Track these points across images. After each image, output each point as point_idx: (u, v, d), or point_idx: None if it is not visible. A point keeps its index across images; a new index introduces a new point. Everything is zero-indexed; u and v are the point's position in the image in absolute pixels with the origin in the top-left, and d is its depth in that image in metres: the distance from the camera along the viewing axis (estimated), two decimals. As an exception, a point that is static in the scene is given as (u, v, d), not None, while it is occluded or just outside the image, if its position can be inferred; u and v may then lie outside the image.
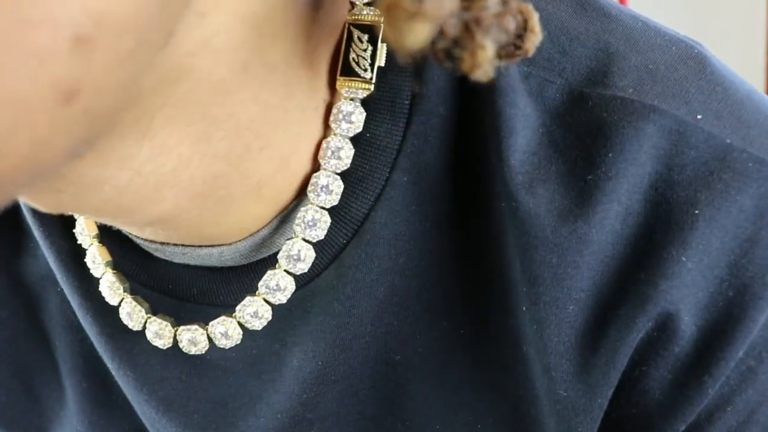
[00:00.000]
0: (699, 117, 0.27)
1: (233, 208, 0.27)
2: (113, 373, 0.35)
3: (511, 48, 0.19)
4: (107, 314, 0.33)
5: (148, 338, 0.32)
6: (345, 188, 0.28)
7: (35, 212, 0.33)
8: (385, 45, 0.27)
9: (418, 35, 0.18)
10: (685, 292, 0.26)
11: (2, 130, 0.16)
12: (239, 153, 0.25)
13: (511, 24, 0.20)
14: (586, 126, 0.27)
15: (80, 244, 0.33)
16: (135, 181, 0.23)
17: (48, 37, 0.16)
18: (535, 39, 0.20)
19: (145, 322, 0.31)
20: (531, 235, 0.27)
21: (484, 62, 0.19)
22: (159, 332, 0.31)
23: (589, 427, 0.30)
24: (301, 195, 0.29)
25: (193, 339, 0.31)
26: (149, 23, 0.18)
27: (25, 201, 0.25)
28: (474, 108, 0.28)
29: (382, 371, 0.32)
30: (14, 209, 0.35)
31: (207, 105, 0.23)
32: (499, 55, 0.20)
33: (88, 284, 0.33)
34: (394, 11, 0.18)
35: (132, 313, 0.31)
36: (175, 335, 0.31)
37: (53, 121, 0.17)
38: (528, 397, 0.30)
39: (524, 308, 0.28)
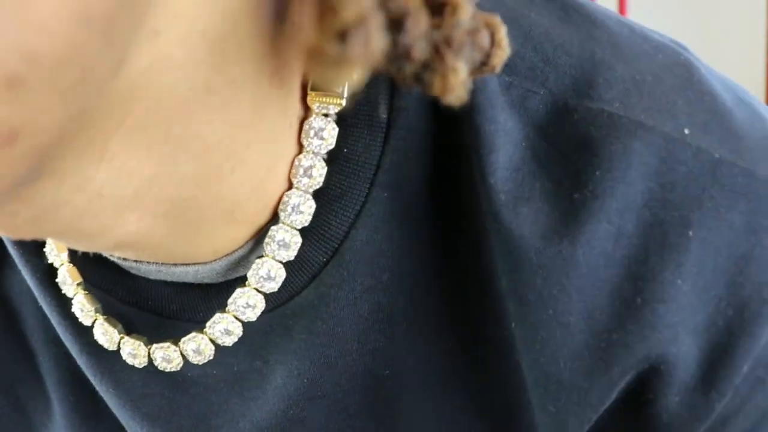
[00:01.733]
0: (686, 132, 0.26)
1: (205, 230, 0.26)
2: (97, 388, 0.34)
3: (478, 65, 0.18)
4: (85, 333, 0.32)
5: (123, 357, 0.31)
6: (322, 206, 0.27)
7: None
8: None
9: (347, 80, 0.16)
10: (684, 315, 0.26)
11: None
12: (208, 175, 0.24)
13: (485, 40, 0.18)
14: (571, 141, 0.26)
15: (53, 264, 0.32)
16: (94, 203, 0.22)
17: None
18: (502, 54, 0.18)
19: (119, 342, 0.31)
20: (515, 255, 0.26)
21: (456, 85, 0.18)
22: (132, 352, 0.31)
23: None
24: (276, 215, 0.28)
25: (166, 356, 0.30)
26: (93, 54, 0.17)
27: None
28: (453, 122, 0.26)
29: (371, 386, 0.31)
30: None
31: (168, 126, 0.22)
32: (472, 74, 0.18)
33: (64, 302, 0.32)
34: (316, 56, 0.16)
35: (105, 334, 0.31)
36: (149, 353, 0.30)
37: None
38: (520, 406, 0.30)
39: (513, 324, 0.28)
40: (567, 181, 0.26)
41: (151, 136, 0.22)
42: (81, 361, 0.34)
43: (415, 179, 0.27)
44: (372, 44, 0.16)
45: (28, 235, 0.24)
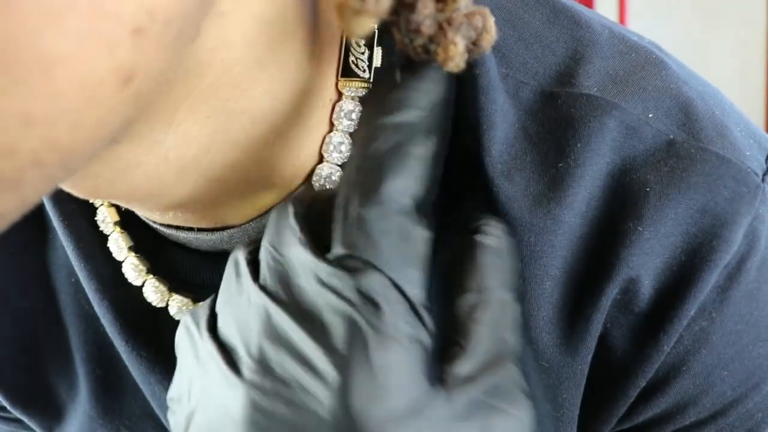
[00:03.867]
0: (650, 115, 0.30)
1: (245, 192, 0.30)
2: (125, 357, 0.37)
3: (472, 43, 0.23)
4: (122, 299, 0.36)
5: (171, 314, 0.34)
6: None
7: (56, 202, 0.36)
8: (380, 48, 0.30)
9: (362, 27, 0.21)
10: (645, 259, 0.29)
11: (79, 107, 0.18)
12: (253, 143, 0.28)
13: (479, 22, 0.23)
14: (556, 121, 0.30)
15: (99, 233, 0.35)
16: (161, 166, 0.26)
17: (116, 28, 0.18)
18: (490, 38, 0.23)
19: (168, 299, 0.35)
20: (510, 216, 0.30)
21: (455, 56, 0.23)
22: (182, 307, 0.34)
23: (574, 392, 0.32)
24: (306, 183, 0.31)
25: None
26: (187, 17, 0.20)
27: (65, 187, 0.27)
28: (459, 104, 0.31)
29: None
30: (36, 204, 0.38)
31: (225, 99, 0.26)
32: (468, 50, 0.23)
33: (104, 270, 0.36)
34: (343, 8, 0.21)
35: (156, 291, 0.34)
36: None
37: (114, 102, 0.19)
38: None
39: None
40: (552, 153, 0.30)
41: (210, 107, 0.26)
42: (114, 327, 0.36)
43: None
44: (381, 2, 0.21)
45: (104, 196, 0.28)
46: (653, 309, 0.30)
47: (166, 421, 0.38)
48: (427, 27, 0.22)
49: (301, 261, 0.23)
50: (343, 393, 0.22)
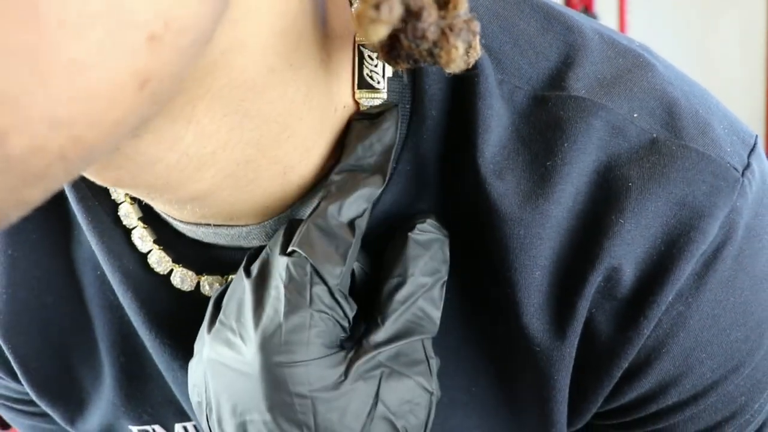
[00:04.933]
0: (635, 115, 0.33)
1: (261, 189, 0.32)
2: (149, 345, 0.39)
3: (469, 49, 0.26)
4: (146, 289, 0.38)
5: (204, 292, 0.37)
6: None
7: (80, 199, 0.38)
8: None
9: (378, 33, 0.24)
10: (626, 249, 0.32)
11: (101, 107, 0.20)
12: (268, 141, 0.30)
13: (477, 26, 0.26)
14: (546, 123, 0.33)
15: (122, 228, 0.37)
16: (182, 160, 0.28)
17: (134, 36, 0.20)
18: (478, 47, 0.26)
19: (198, 282, 0.37)
20: (501, 212, 0.32)
21: (457, 58, 0.25)
22: (212, 284, 0.36)
23: (564, 374, 0.35)
24: (321, 180, 0.34)
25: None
26: (200, 25, 0.22)
27: (90, 177, 0.29)
28: (459, 110, 0.33)
29: None
30: (61, 199, 0.40)
31: (240, 100, 0.28)
32: (467, 53, 0.26)
33: (128, 263, 0.38)
34: (361, 18, 0.24)
35: (184, 277, 0.37)
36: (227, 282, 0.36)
37: (131, 102, 0.21)
38: (513, 356, 0.35)
39: (499, 276, 0.33)
40: (542, 153, 0.32)
41: (227, 106, 0.28)
42: (138, 316, 0.38)
43: (430, 156, 0.34)
44: (394, 11, 0.23)
45: (126, 186, 0.30)
46: (634, 295, 0.33)
47: (188, 406, 0.40)
48: (432, 33, 0.24)
49: (275, 255, 0.32)
50: (261, 346, 0.30)
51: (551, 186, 0.32)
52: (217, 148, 0.29)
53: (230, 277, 0.36)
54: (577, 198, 0.32)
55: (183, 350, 0.38)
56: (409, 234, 0.33)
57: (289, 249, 0.31)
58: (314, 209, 0.32)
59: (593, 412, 0.37)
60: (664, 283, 0.32)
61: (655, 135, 0.32)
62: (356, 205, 0.32)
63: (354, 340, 0.32)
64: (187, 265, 0.37)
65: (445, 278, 0.33)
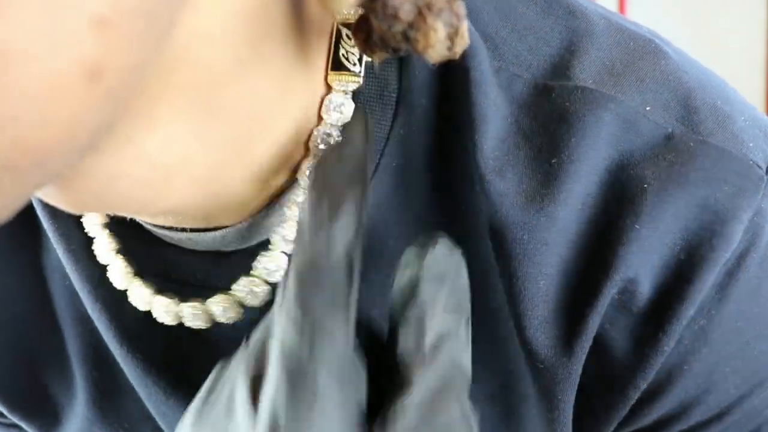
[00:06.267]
0: (648, 108, 0.29)
1: (236, 193, 0.29)
2: (120, 360, 0.36)
3: (452, 34, 0.22)
4: (115, 301, 0.35)
5: (155, 316, 0.34)
6: None
7: (45, 205, 0.35)
8: None
9: (343, 3, 0.21)
10: (643, 257, 0.29)
11: (44, 104, 0.18)
12: (240, 140, 0.27)
13: (462, 8, 0.23)
14: (550, 115, 0.29)
15: (88, 234, 0.35)
16: (147, 173, 0.25)
17: (72, 19, 0.17)
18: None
19: (153, 302, 0.34)
20: (502, 214, 0.29)
21: (435, 43, 0.22)
22: (166, 310, 0.33)
23: (569, 392, 0.32)
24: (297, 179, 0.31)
25: (196, 314, 0.33)
26: (155, 10, 0.20)
27: (51, 202, 0.27)
28: (452, 99, 0.30)
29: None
30: (30, 206, 0.37)
31: (207, 95, 0.25)
32: (450, 38, 0.22)
33: (96, 272, 0.35)
34: None
35: (140, 295, 0.34)
36: (179, 313, 0.33)
37: (83, 98, 0.19)
38: (515, 372, 0.32)
39: (499, 286, 0.30)
40: (546, 149, 0.29)
41: (192, 105, 0.25)
42: (108, 330, 0.36)
43: (418, 150, 0.31)
44: None
45: (92, 209, 0.28)
46: (652, 309, 0.30)
47: (164, 424, 0.38)
48: (406, 12, 0.21)
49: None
50: None
51: (557, 186, 0.29)
52: (185, 153, 0.26)
53: (183, 305, 0.33)
54: (586, 200, 0.29)
55: (156, 366, 0.36)
56: (419, 274, 0.26)
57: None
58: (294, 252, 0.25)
59: None
60: (685, 296, 0.29)
61: (670, 130, 0.29)
62: (344, 230, 0.24)
63: (378, 418, 0.24)
64: (152, 278, 0.34)
65: (470, 312, 0.27)
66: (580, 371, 0.31)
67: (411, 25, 0.22)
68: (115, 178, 0.25)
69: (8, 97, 0.17)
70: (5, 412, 0.41)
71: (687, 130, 0.29)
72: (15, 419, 0.41)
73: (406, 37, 0.22)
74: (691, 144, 0.29)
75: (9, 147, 0.18)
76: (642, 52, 0.31)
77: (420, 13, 0.21)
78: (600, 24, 0.32)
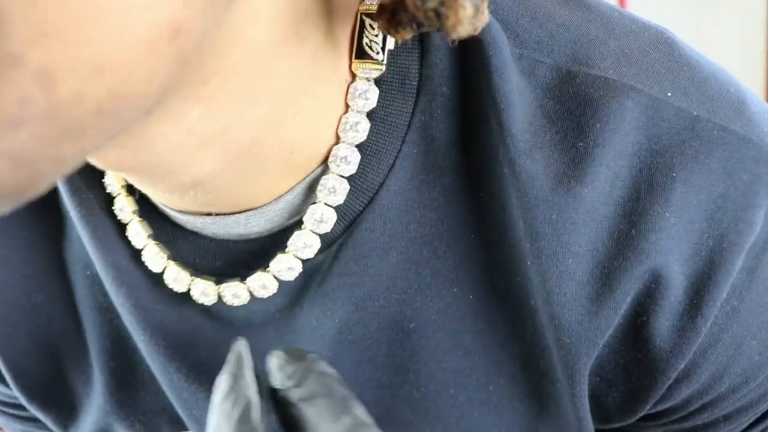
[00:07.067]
0: (669, 94, 0.30)
1: (266, 172, 0.30)
2: (143, 347, 0.37)
3: (476, 12, 0.24)
4: (139, 287, 0.36)
5: (194, 297, 0.34)
6: (362, 159, 0.32)
7: (74, 191, 0.36)
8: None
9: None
10: (672, 244, 0.30)
11: (136, 57, 0.19)
12: (277, 119, 0.29)
13: None
14: (574, 100, 0.30)
15: (116, 223, 0.36)
16: (184, 138, 0.27)
17: None
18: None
19: (190, 283, 0.34)
20: (532, 195, 0.30)
21: (464, 19, 0.23)
22: (204, 291, 0.34)
23: (588, 365, 0.33)
24: (323, 165, 0.32)
25: (236, 293, 0.34)
26: None
27: (92, 159, 0.28)
28: (473, 86, 0.31)
29: (397, 339, 0.34)
30: (53, 194, 0.38)
31: (251, 74, 0.26)
32: (475, 15, 0.24)
33: (122, 259, 0.36)
34: None
35: (177, 277, 0.34)
36: (218, 291, 0.34)
37: (162, 56, 0.20)
38: (536, 351, 0.33)
39: (529, 263, 0.31)
40: (572, 133, 0.30)
41: (237, 83, 0.26)
42: (132, 316, 0.36)
43: (440, 137, 0.32)
44: None
45: (127, 168, 0.28)
46: (688, 295, 0.31)
47: (184, 412, 0.38)
48: (438, -10, 0.23)
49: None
50: None
51: (584, 168, 0.30)
52: (225, 126, 0.27)
53: (223, 284, 0.34)
54: (615, 183, 0.30)
55: (179, 352, 0.36)
56: (292, 411, 0.27)
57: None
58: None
59: (641, 415, 0.35)
60: (718, 280, 0.30)
61: (696, 113, 0.30)
62: None
63: None
64: (182, 263, 0.35)
65: (353, 393, 0.29)
66: (600, 346, 0.32)
67: (442, 3, 0.23)
68: (155, 139, 0.26)
69: (111, 50, 0.19)
70: (24, 401, 0.41)
71: (710, 115, 0.30)
72: (33, 409, 0.42)
73: (437, 14, 0.23)
74: (714, 132, 0.30)
75: (105, 94, 0.19)
76: (656, 42, 0.32)
77: (451, -9, 0.23)
78: (614, 15, 0.33)
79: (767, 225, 0.30)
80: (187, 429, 0.40)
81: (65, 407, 0.41)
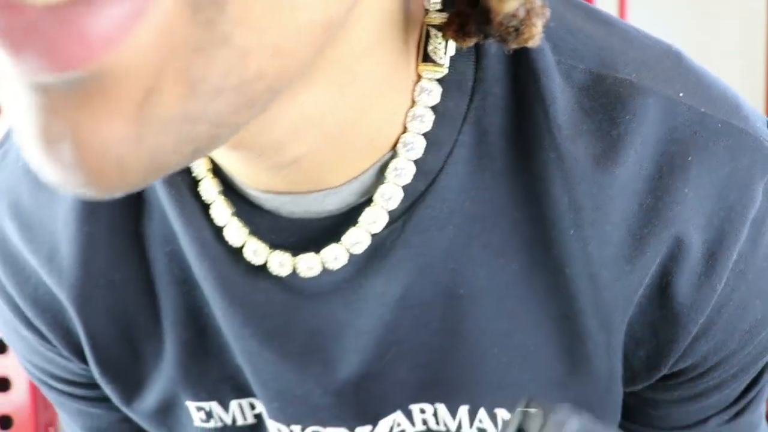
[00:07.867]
0: (681, 95, 0.37)
1: (348, 154, 0.35)
2: (219, 315, 0.40)
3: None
4: (223, 260, 0.39)
5: (271, 269, 0.38)
6: (426, 146, 0.37)
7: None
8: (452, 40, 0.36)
9: (511, 6, 0.28)
10: (690, 214, 0.37)
11: (303, 44, 0.22)
12: (365, 108, 0.33)
13: (548, 12, 0.31)
14: (606, 97, 0.37)
15: (201, 202, 0.39)
16: (298, 119, 0.30)
17: None
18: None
19: (268, 256, 0.38)
20: (576, 174, 0.36)
21: (536, 34, 0.31)
22: (281, 262, 0.38)
23: (623, 321, 0.39)
24: (391, 151, 0.37)
25: (310, 265, 0.38)
26: None
27: None
28: (521, 86, 0.37)
29: (450, 305, 0.39)
30: None
31: (352, 66, 0.30)
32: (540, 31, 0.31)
33: (206, 235, 0.39)
34: None
35: (257, 250, 0.38)
36: (295, 264, 0.38)
37: (315, 43, 0.23)
38: (573, 312, 0.39)
39: (572, 232, 0.37)
40: (605, 124, 0.37)
41: (339, 72, 0.30)
42: (213, 288, 0.39)
43: (492, 129, 0.37)
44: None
45: (245, 148, 0.32)
46: (705, 258, 0.37)
47: (253, 376, 0.42)
48: (521, 12, 0.30)
49: None
50: None
51: (617, 152, 0.36)
52: (323, 110, 0.31)
53: (299, 256, 0.38)
54: (642, 164, 0.37)
55: (254, 320, 0.40)
56: None
57: None
58: None
59: (664, 372, 0.41)
60: (729, 246, 0.37)
61: (703, 110, 0.37)
62: None
63: None
64: (261, 238, 0.39)
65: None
66: (634, 304, 0.38)
67: (522, 22, 0.30)
68: (271, 120, 0.30)
69: (287, 36, 0.22)
70: (97, 374, 0.44)
71: (715, 112, 0.37)
72: (103, 382, 0.44)
73: (516, 30, 0.30)
74: (719, 125, 0.37)
75: (277, 73, 0.22)
76: (667, 53, 0.39)
77: (527, 13, 0.30)
78: (631, 30, 0.40)
79: (766, 200, 0.37)
80: (250, 396, 0.44)
81: (134, 379, 0.45)
